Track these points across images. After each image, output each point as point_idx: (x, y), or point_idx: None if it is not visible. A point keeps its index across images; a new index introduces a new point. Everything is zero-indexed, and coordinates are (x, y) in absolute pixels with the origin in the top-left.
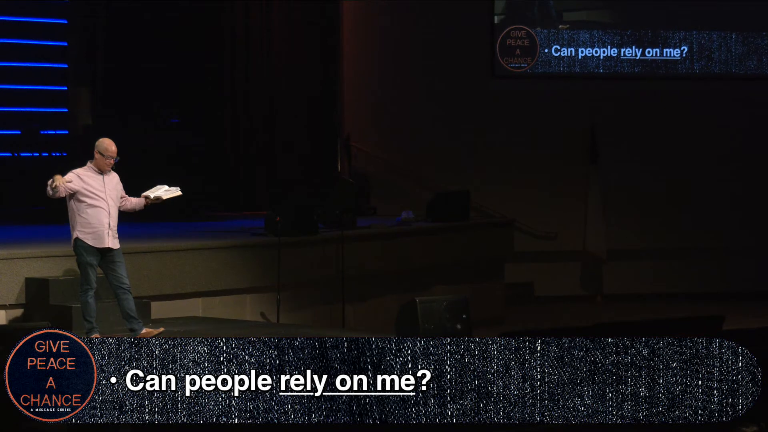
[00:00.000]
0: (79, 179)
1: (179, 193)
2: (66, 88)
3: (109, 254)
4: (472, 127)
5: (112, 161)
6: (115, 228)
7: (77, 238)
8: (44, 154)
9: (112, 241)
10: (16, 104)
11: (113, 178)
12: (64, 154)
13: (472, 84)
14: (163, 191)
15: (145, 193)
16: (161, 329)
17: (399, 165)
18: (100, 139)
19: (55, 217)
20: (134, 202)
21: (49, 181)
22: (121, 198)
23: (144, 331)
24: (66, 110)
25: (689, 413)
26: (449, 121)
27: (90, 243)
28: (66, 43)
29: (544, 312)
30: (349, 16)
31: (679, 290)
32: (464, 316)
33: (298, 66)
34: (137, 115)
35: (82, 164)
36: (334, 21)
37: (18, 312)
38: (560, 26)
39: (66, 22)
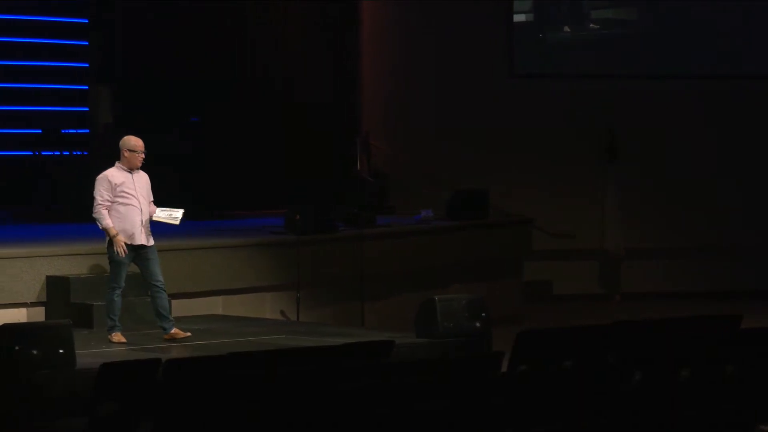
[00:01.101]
0: (108, 183)
1: (176, 222)
2: (87, 87)
3: (143, 251)
4: (490, 127)
5: (142, 156)
6: (148, 225)
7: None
8: (65, 153)
9: (145, 238)
10: (37, 103)
11: (142, 177)
12: (85, 153)
13: (490, 83)
14: (165, 216)
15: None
16: (188, 334)
17: (417, 164)
18: (126, 137)
19: (76, 215)
20: (150, 210)
21: (112, 234)
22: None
23: (173, 331)
24: (87, 109)
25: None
26: (467, 121)
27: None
28: (87, 42)
29: (563, 310)
30: (368, 15)
31: (698, 289)
32: (483, 315)
33: (315, 64)
34: (156, 113)
35: (103, 163)
36: (352, 20)
37: (39, 310)
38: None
39: (86, 21)
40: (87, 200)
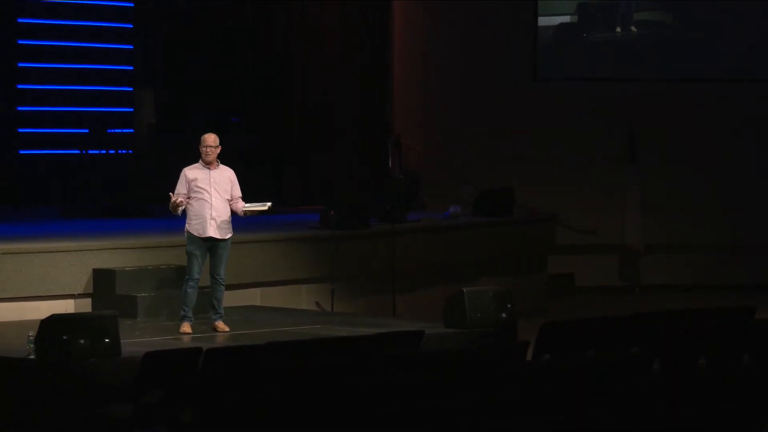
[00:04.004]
0: (184, 178)
1: (266, 207)
2: (132, 90)
3: (214, 244)
4: (515, 128)
5: (206, 149)
6: (223, 219)
7: (186, 229)
8: (111, 152)
9: (214, 231)
10: (85, 104)
11: (223, 173)
12: (130, 152)
13: (515, 85)
14: (254, 205)
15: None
16: (227, 329)
17: (446, 163)
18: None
19: (121, 211)
20: (235, 207)
21: (171, 206)
22: (233, 198)
23: (217, 323)
24: (131, 110)
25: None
26: (494, 122)
27: (193, 233)
28: (132, 47)
29: (584, 302)
30: (400, 16)
31: (714, 282)
32: (509, 306)
33: (349, 65)
34: (197, 114)
35: (146, 161)
36: (383, 23)
37: (86, 301)
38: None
39: (131, 26)
40: (131, 196)
